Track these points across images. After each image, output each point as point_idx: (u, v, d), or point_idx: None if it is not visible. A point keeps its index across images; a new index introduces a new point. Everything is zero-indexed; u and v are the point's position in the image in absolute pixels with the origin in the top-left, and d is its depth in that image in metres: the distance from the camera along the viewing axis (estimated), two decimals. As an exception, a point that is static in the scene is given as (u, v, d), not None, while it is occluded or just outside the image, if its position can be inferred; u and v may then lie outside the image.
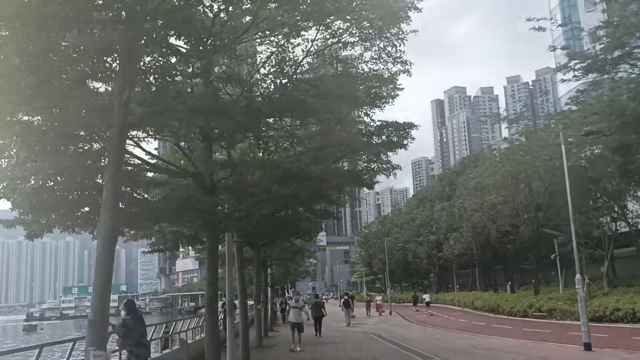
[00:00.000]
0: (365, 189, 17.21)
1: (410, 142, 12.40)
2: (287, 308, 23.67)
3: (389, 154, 13.11)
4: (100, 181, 9.20)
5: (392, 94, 12.81)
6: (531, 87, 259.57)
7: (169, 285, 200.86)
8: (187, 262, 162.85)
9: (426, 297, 49.07)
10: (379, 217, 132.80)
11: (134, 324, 9.96)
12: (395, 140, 12.15)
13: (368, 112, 13.09)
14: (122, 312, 10.40)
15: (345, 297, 37.60)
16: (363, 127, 13.28)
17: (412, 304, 51.03)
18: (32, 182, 9.10)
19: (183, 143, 11.89)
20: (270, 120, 11.57)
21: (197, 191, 11.09)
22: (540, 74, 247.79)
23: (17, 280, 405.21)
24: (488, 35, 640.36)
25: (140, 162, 10.55)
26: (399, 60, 11.06)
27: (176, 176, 11.37)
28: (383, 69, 11.51)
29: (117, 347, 10.65)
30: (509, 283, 49.91)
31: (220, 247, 14.24)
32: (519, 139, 42.26)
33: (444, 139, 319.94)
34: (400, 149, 12.43)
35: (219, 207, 12.03)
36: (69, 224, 10.34)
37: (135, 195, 11.00)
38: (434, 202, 77.62)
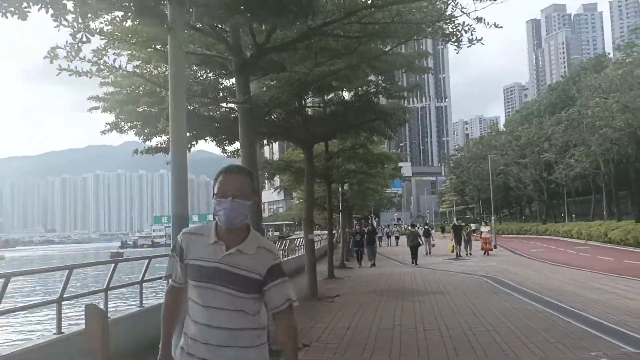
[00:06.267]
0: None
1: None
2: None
3: None
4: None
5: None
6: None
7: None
8: (273, 194, 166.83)
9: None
10: (472, 140, 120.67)
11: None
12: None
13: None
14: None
15: (426, 227, 42.43)
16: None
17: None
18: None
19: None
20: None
21: None
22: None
23: (118, 210, 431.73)
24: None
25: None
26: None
27: None
28: None
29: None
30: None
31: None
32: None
33: (540, 63, 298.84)
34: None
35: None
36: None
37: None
38: (543, 116, 66.39)
